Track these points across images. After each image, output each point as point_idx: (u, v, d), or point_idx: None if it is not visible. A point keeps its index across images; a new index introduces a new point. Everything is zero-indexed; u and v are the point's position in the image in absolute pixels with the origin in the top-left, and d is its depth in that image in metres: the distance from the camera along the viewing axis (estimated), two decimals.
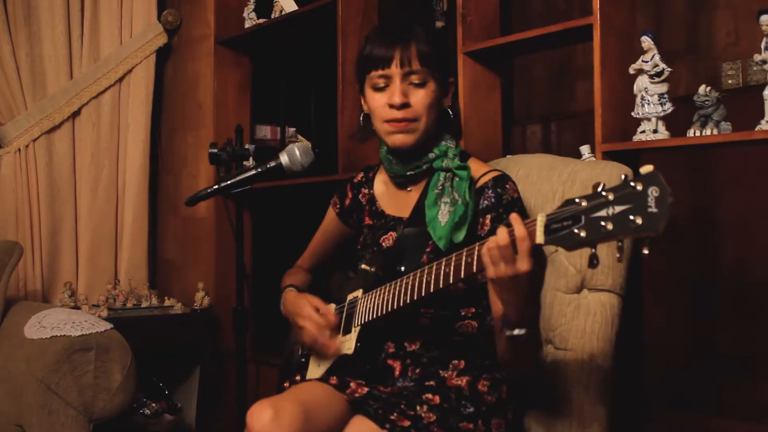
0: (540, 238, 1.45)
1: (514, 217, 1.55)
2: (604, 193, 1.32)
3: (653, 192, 1.25)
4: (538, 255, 1.56)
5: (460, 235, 1.92)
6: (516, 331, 1.67)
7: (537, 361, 1.96)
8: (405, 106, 1.95)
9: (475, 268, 1.62)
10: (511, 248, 1.54)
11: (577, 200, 1.37)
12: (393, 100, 1.95)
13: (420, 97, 1.96)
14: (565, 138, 3.92)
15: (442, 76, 2.00)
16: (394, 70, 1.95)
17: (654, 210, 1.24)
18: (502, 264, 1.55)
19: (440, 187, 1.98)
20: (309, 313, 2.06)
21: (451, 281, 1.69)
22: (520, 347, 1.72)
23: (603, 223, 1.31)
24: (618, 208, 1.29)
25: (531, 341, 1.70)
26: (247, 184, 2.20)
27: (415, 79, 1.95)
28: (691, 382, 3.30)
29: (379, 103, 1.98)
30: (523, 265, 1.53)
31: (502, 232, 1.55)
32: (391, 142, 2.00)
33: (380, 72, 1.97)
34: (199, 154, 4.07)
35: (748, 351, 3.16)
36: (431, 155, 2.02)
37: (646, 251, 1.29)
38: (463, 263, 1.66)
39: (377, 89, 1.99)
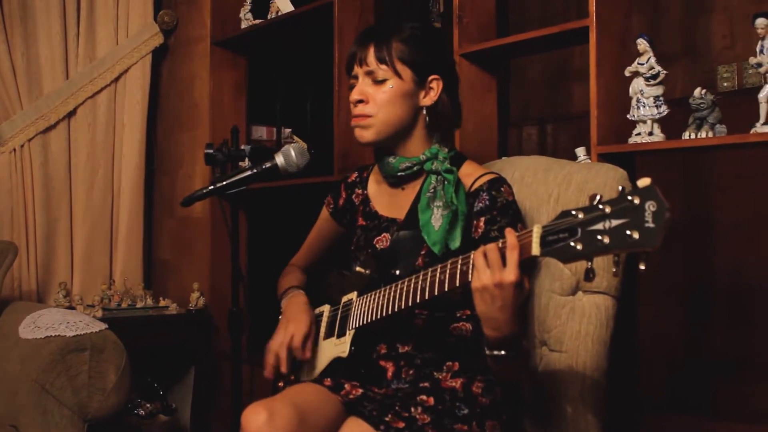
0: (536, 249, 1.45)
1: (508, 230, 1.57)
2: (600, 206, 1.31)
3: (650, 206, 1.24)
4: (527, 270, 1.56)
5: (456, 242, 1.92)
6: (495, 353, 1.67)
7: (523, 372, 1.95)
8: (360, 102, 2.02)
9: (470, 276, 1.62)
10: (501, 257, 1.55)
11: (573, 212, 1.36)
12: (351, 97, 2.04)
13: (377, 93, 2.00)
14: (561, 140, 3.93)
15: (415, 74, 2.01)
16: (357, 69, 2.04)
17: (651, 225, 1.24)
18: (489, 272, 1.56)
19: (432, 191, 1.98)
20: (298, 332, 2.06)
21: (446, 288, 1.69)
22: (503, 365, 1.72)
23: (599, 237, 1.30)
24: (615, 222, 1.28)
25: (512, 362, 1.69)
26: (242, 185, 2.20)
27: (375, 76, 2.00)
28: (686, 384, 3.31)
29: (350, 101, 2.06)
30: (510, 275, 1.53)
31: (494, 243, 1.58)
32: (355, 136, 2.06)
33: (351, 72, 2.06)
34: (194, 154, 4.07)
35: (742, 353, 3.17)
36: (422, 157, 2.02)
37: (642, 266, 1.28)
38: (458, 271, 1.66)
39: (350, 88, 2.06)
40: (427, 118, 2.04)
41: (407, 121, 2.03)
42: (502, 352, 1.66)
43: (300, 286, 2.25)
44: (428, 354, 1.96)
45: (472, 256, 1.62)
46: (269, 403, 1.75)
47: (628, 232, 1.26)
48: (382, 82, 1.99)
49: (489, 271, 1.56)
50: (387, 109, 2.00)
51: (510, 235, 1.55)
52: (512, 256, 1.53)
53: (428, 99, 2.04)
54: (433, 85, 2.03)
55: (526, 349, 1.81)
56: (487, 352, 1.68)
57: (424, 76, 2.02)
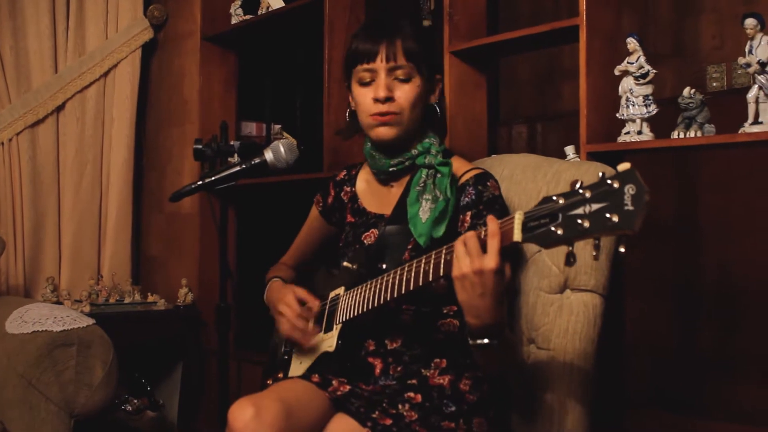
0: (518, 235, 1.45)
1: (489, 217, 1.56)
2: (581, 191, 1.32)
3: (630, 190, 1.24)
4: (507, 257, 1.56)
5: (440, 231, 1.92)
6: (479, 341, 1.67)
7: (511, 363, 1.95)
8: (389, 99, 1.97)
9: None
10: (481, 244, 1.55)
11: (554, 198, 1.37)
12: (378, 94, 1.97)
13: (404, 92, 1.98)
14: (551, 138, 3.93)
15: (428, 73, 2.01)
16: (379, 64, 1.97)
17: (630, 208, 1.24)
18: (468, 259, 1.55)
19: (422, 184, 1.99)
20: (290, 301, 2.05)
21: (431, 279, 1.69)
22: (487, 355, 1.72)
23: (580, 221, 1.31)
24: (595, 206, 1.29)
25: (496, 350, 1.68)
26: (231, 181, 2.20)
27: (400, 74, 1.97)
28: (673, 382, 3.32)
29: (365, 97, 2.00)
30: (491, 262, 1.53)
31: (474, 231, 1.58)
32: (374, 135, 2.01)
33: (365, 66, 1.99)
34: (183, 150, 4.06)
35: (729, 352, 3.18)
36: (414, 151, 2.03)
37: (622, 249, 1.29)
38: (443, 261, 1.66)
39: (363, 84, 2.00)
40: (428, 116, 2.05)
41: (420, 120, 2.04)
42: (485, 341, 1.65)
43: (283, 279, 2.25)
44: (416, 350, 1.96)
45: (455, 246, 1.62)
46: (256, 399, 1.75)
47: (607, 216, 1.26)
48: (407, 80, 1.97)
49: (468, 259, 1.55)
50: (412, 108, 1.99)
51: (491, 222, 1.54)
52: (493, 243, 1.53)
53: (434, 96, 2.06)
54: (438, 84, 2.06)
55: (512, 340, 1.81)
56: (470, 341, 1.67)
57: (433, 75, 2.04)
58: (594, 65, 2.45)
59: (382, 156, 2.07)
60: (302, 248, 2.40)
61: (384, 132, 2.00)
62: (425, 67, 2.00)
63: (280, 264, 2.40)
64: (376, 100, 1.98)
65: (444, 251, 1.66)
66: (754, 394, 3.09)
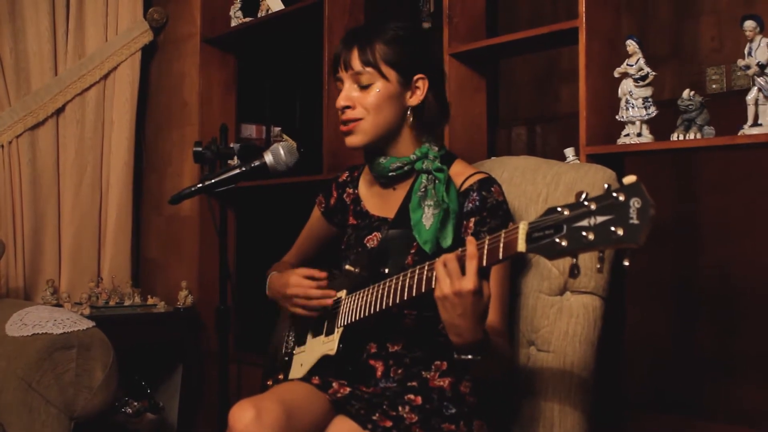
0: (522, 246, 1.45)
1: (468, 239, 1.58)
2: (586, 203, 1.31)
3: (635, 203, 1.24)
4: (487, 277, 1.58)
5: (448, 240, 1.92)
6: (462, 357, 1.68)
7: (504, 372, 1.95)
8: (347, 108, 2.00)
9: None
10: (461, 266, 1.57)
11: (559, 209, 1.36)
12: (337, 103, 2.02)
13: (364, 98, 1.99)
14: (550, 140, 3.94)
15: (401, 76, 1.99)
16: (342, 73, 2.02)
17: (635, 222, 1.24)
18: (448, 281, 1.58)
19: (423, 190, 1.98)
20: (296, 281, 2.06)
21: (433, 285, 1.69)
22: (474, 368, 1.72)
23: (584, 233, 1.30)
24: (600, 219, 1.28)
25: (482, 364, 1.70)
26: (231, 183, 2.20)
27: (361, 80, 1.98)
28: (672, 384, 3.32)
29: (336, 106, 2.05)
30: (469, 283, 1.55)
31: (453, 253, 1.60)
32: (345, 143, 2.04)
33: (336, 75, 2.04)
34: (183, 152, 4.06)
35: (728, 354, 3.19)
36: (412, 156, 2.02)
37: (626, 263, 1.28)
38: None
39: (339, 92, 2.04)
40: (411, 118, 2.03)
41: (395, 123, 2.02)
42: (469, 357, 1.67)
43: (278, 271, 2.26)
44: (417, 353, 1.97)
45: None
46: (256, 401, 1.75)
47: (612, 229, 1.26)
48: (368, 86, 1.97)
49: (449, 280, 1.58)
50: (375, 113, 1.98)
51: (470, 244, 1.56)
52: (471, 265, 1.55)
53: (415, 99, 2.02)
54: (419, 84, 2.02)
55: (503, 352, 1.81)
56: (455, 356, 1.69)
57: (409, 77, 2.00)
58: (593, 67, 2.45)
59: (376, 159, 2.07)
60: (304, 248, 2.41)
61: (349, 141, 2.02)
62: (395, 70, 1.98)
63: (282, 262, 2.40)
64: (339, 109, 2.02)
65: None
66: (753, 394, 3.09)
